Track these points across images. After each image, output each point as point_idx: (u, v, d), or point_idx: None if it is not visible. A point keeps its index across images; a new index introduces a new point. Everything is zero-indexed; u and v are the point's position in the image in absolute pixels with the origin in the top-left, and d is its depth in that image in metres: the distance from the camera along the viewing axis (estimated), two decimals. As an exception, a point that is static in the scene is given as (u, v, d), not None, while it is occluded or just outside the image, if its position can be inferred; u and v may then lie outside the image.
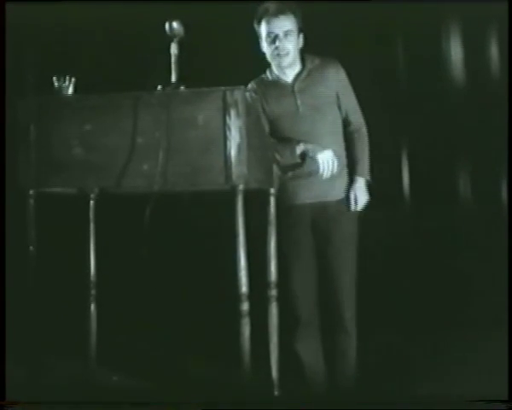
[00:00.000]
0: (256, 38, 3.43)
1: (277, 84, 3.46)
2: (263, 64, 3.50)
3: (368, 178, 3.48)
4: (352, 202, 3.45)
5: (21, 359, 2.99)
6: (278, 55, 3.36)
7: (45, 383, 3.01)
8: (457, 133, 4.16)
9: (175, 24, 2.82)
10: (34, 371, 3.00)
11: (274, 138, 3.42)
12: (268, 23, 3.35)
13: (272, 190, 3.22)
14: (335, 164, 3.31)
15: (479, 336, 3.64)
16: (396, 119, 4.16)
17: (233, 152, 2.72)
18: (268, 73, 3.49)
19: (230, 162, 2.72)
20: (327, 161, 3.30)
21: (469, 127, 4.12)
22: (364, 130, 3.52)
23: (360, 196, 3.46)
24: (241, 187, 2.75)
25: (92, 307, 3.24)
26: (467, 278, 3.97)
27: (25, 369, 2.99)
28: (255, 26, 3.41)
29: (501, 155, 3.77)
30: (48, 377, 3.07)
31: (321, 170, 3.31)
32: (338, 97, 3.46)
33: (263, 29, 3.38)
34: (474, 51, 4.14)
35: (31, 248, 2.96)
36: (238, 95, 2.72)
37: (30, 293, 2.96)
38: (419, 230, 4.12)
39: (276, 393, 3.13)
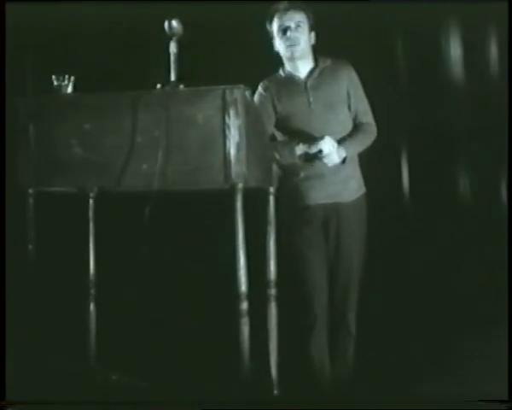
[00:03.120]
0: (260, 35, 3.46)
1: (290, 81, 3.48)
2: (263, 62, 3.51)
3: (348, 155, 3.42)
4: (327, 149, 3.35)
5: (21, 359, 2.99)
6: (290, 45, 3.40)
7: (45, 383, 3.00)
8: (457, 133, 4.16)
9: (174, 23, 2.83)
10: (34, 371, 3.00)
11: (286, 135, 3.44)
12: (279, 18, 3.42)
13: (272, 189, 3.23)
14: (336, 147, 3.33)
15: (479, 336, 3.64)
16: (396, 119, 4.15)
17: (232, 151, 2.72)
18: (281, 71, 3.53)
19: (230, 161, 2.72)
20: (328, 144, 3.32)
21: (469, 127, 4.12)
22: (374, 130, 3.53)
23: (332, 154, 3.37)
24: (240, 186, 2.75)
25: (92, 306, 3.25)
26: (467, 278, 3.97)
27: (25, 369, 2.98)
28: (267, 26, 3.48)
29: (501, 155, 3.77)
30: (48, 377, 3.07)
31: (325, 151, 3.32)
32: (349, 97, 3.49)
33: (275, 25, 3.44)
34: (474, 51, 4.14)
35: (30, 247, 2.96)
36: (237, 94, 2.73)
37: (29, 292, 2.97)
38: (419, 230, 4.12)
39: (275, 392, 3.13)
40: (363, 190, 3.54)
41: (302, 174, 3.46)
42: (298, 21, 3.40)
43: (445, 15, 4.16)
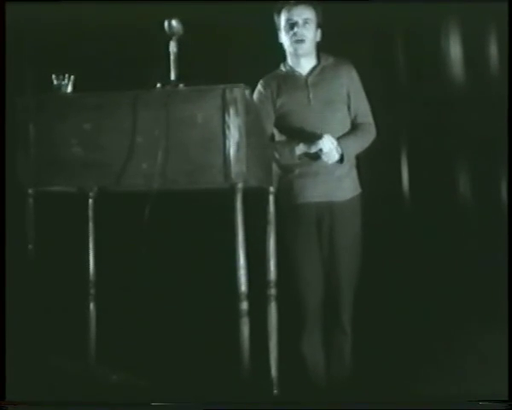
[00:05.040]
0: (260, 34, 3.47)
1: (291, 76, 3.49)
2: (263, 62, 3.52)
3: (345, 153, 3.41)
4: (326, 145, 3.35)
5: (21, 359, 2.99)
6: (296, 41, 3.41)
7: (45, 383, 3.00)
8: (457, 133, 4.16)
9: (174, 22, 2.83)
10: (34, 371, 3.00)
11: (284, 132, 3.44)
12: (288, 11, 3.43)
13: (272, 189, 3.23)
14: (335, 144, 3.32)
15: (478, 335, 3.63)
16: (396, 118, 4.15)
17: (232, 150, 2.72)
18: (282, 66, 3.53)
19: (229, 161, 2.72)
20: (328, 142, 3.31)
21: (469, 127, 4.11)
22: (373, 131, 3.53)
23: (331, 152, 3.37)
24: (240, 185, 2.75)
25: (91, 306, 3.25)
26: (467, 278, 3.96)
27: (25, 369, 2.98)
28: (275, 17, 3.48)
29: (501, 155, 3.77)
30: (48, 377, 3.07)
31: (325, 149, 3.31)
32: (349, 97, 3.49)
33: (282, 18, 3.45)
34: (474, 51, 4.14)
35: (30, 247, 2.96)
36: (237, 93, 2.72)
37: (29, 292, 2.96)
38: (419, 230, 4.11)
39: (275, 392, 3.13)
40: (358, 190, 3.54)
41: (296, 171, 3.46)
42: (306, 18, 3.40)
43: (445, 15, 4.16)
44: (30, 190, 2.94)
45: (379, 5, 3.96)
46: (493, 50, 4.09)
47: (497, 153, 3.97)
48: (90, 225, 3.24)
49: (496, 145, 3.94)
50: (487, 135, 4.03)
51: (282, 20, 3.43)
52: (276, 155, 3.37)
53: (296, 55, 3.45)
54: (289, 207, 3.44)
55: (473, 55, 4.14)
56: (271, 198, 3.22)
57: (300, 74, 3.48)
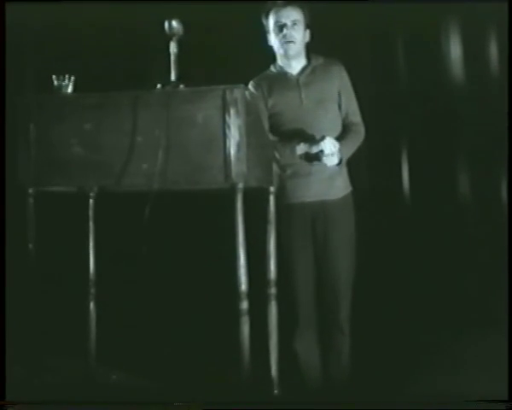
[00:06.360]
0: (260, 34, 3.47)
1: (282, 76, 3.49)
2: (263, 62, 3.52)
3: (344, 158, 3.42)
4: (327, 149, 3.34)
5: (21, 359, 2.99)
6: (285, 42, 3.42)
7: (45, 383, 3.00)
8: (457, 133, 4.16)
9: (174, 23, 2.83)
10: (34, 371, 3.00)
11: (276, 132, 3.44)
12: (276, 13, 3.43)
13: (272, 189, 3.22)
14: (337, 146, 3.33)
15: (478, 335, 3.63)
16: (396, 119, 4.15)
17: (232, 150, 2.72)
18: (272, 67, 3.54)
19: (230, 161, 2.72)
20: (329, 144, 3.32)
21: (469, 127, 4.11)
22: (363, 130, 3.53)
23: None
24: (240, 185, 2.76)
25: (91, 305, 3.25)
26: (467, 278, 3.97)
27: (25, 369, 2.99)
28: (263, 20, 3.48)
29: (501, 155, 3.77)
30: (48, 377, 3.07)
31: (326, 151, 3.31)
32: (339, 96, 3.50)
33: (271, 20, 3.45)
34: (474, 51, 4.14)
35: (30, 246, 2.97)
36: (238, 93, 2.73)
37: (29, 292, 2.97)
38: (419, 230, 4.12)
39: (275, 392, 3.12)
40: (349, 188, 3.54)
41: (289, 171, 3.46)
42: (294, 19, 3.41)
43: (445, 15, 4.16)
44: (30, 190, 2.95)
45: (379, 5, 3.96)
46: (493, 50, 4.09)
47: (497, 153, 3.97)
48: (90, 224, 3.24)
49: (496, 145, 3.94)
50: (487, 135, 4.04)
51: (271, 22, 3.45)
52: (277, 155, 3.37)
53: (286, 56, 3.46)
54: (282, 208, 3.43)
55: (473, 55, 4.14)
56: (272, 198, 3.21)
57: (291, 74, 3.49)
